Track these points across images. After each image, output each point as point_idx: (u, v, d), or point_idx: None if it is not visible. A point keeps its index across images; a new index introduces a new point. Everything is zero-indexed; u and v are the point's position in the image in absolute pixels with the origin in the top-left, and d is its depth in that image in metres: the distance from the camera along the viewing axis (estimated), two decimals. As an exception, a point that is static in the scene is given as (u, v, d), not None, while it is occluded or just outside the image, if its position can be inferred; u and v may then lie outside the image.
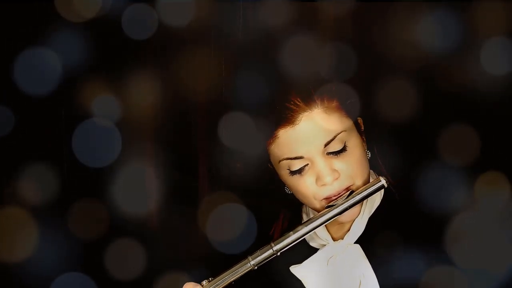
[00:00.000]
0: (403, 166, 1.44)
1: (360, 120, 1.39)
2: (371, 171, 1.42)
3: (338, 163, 1.33)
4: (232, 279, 1.33)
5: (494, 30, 1.52)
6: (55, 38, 1.66)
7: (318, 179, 1.33)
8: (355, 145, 1.34)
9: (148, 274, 1.71)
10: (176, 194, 1.78)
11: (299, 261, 1.41)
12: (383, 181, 1.33)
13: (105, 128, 1.70)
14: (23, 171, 1.70)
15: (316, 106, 1.31)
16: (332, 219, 1.33)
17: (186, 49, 1.71)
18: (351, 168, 1.33)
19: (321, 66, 1.40)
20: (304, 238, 1.38)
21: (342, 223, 1.39)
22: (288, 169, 1.34)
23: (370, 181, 1.37)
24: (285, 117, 1.31)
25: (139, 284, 1.71)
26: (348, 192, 1.33)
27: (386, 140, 1.45)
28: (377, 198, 1.40)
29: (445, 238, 1.31)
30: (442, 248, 1.31)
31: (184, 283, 1.34)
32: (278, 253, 1.33)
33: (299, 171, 1.34)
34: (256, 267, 1.33)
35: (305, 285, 1.39)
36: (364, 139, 1.40)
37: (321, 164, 1.32)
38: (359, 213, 1.38)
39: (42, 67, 1.66)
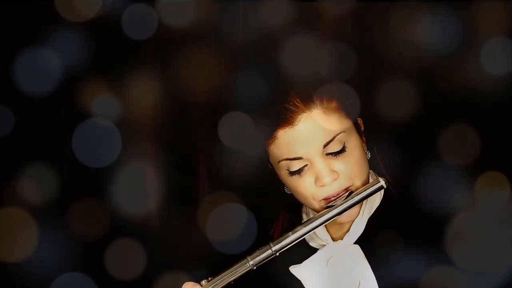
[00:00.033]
0: (403, 166, 1.44)
1: (360, 120, 1.39)
2: (371, 171, 1.42)
3: (337, 163, 1.33)
4: (231, 279, 1.33)
5: (494, 30, 1.52)
6: (55, 38, 1.66)
7: (317, 179, 1.33)
8: (354, 145, 1.34)
9: (148, 274, 1.71)
10: (176, 194, 1.78)
11: (299, 261, 1.41)
12: (382, 182, 1.33)
13: (105, 128, 1.70)
14: (23, 171, 1.70)
15: (315, 107, 1.31)
16: (331, 220, 1.33)
17: (186, 49, 1.71)
18: (350, 168, 1.33)
19: (321, 66, 1.40)
20: (304, 238, 1.38)
21: (341, 224, 1.39)
22: (287, 170, 1.34)
23: (370, 181, 1.37)
24: (284, 118, 1.31)
25: (139, 284, 1.71)
26: (347, 193, 1.33)
27: (386, 140, 1.45)
28: (377, 198, 1.40)
29: (445, 238, 1.31)
30: (442, 248, 1.31)
31: (184, 283, 1.34)
32: (277, 254, 1.33)
33: (298, 171, 1.34)
34: (255, 267, 1.33)
35: (304, 285, 1.39)
36: (364, 140, 1.40)
37: (320, 164, 1.32)
38: (358, 214, 1.38)
39: (42, 67, 1.66)
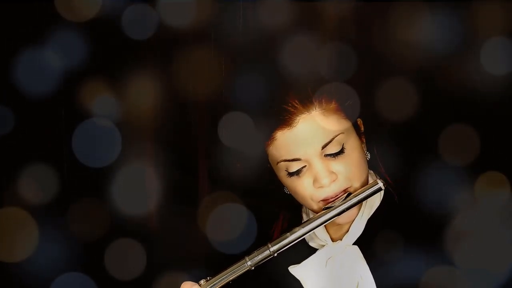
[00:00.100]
0: (403, 166, 1.44)
1: (359, 121, 1.39)
2: (371, 172, 1.42)
3: (335, 165, 1.32)
4: (229, 279, 1.33)
5: (494, 30, 1.52)
6: (55, 38, 1.66)
7: (315, 181, 1.33)
8: (353, 147, 1.34)
9: (148, 274, 1.71)
10: (176, 194, 1.78)
11: (299, 261, 1.41)
12: (380, 184, 1.32)
13: (105, 128, 1.70)
14: (23, 171, 1.70)
15: (314, 108, 1.31)
16: (330, 221, 1.33)
17: (186, 49, 1.71)
18: (348, 170, 1.33)
19: (321, 66, 1.40)
20: (304, 238, 1.38)
21: (340, 224, 1.39)
22: (286, 171, 1.34)
23: (369, 182, 1.37)
24: (283, 119, 1.30)
25: (139, 284, 1.71)
26: (346, 194, 1.33)
27: (386, 141, 1.45)
28: (377, 199, 1.39)
29: (445, 238, 1.31)
30: (442, 248, 1.31)
31: (182, 282, 1.34)
32: (275, 254, 1.33)
33: (297, 172, 1.33)
34: (253, 268, 1.33)
35: (303, 285, 1.39)
36: (364, 140, 1.39)
37: (319, 166, 1.32)
38: (356, 215, 1.37)
39: (42, 67, 1.66)
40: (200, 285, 1.34)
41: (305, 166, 1.33)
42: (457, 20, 1.53)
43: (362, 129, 1.39)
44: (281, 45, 1.51)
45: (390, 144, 1.45)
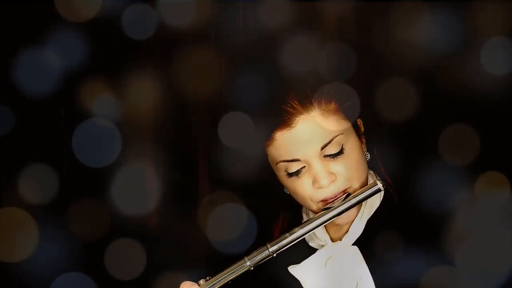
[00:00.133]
0: (403, 166, 1.44)
1: (359, 121, 1.38)
2: (371, 172, 1.42)
3: (335, 166, 1.32)
4: (228, 279, 1.33)
5: (494, 30, 1.52)
6: (55, 38, 1.66)
7: (314, 181, 1.32)
8: (352, 147, 1.34)
9: (148, 274, 1.71)
10: (176, 194, 1.78)
11: (299, 261, 1.41)
12: (379, 185, 1.32)
13: (105, 128, 1.70)
14: (23, 171, 1.70)
15: (314, 109, 1.31)
16: (329, 222, 1.33)
17: (186, 49, 1.71)
18: (348, 170, 1.33)
19: (320, 66, 1.40)
20: (304, 238, 1.38)
21: (340, 225, 1.39)
22: (286, 171, 1.34)
23: (369, 183, 1.36)
24: (282, 120, 1.30)
25: (139, 284, 1.71)
26: (345, 195, 1.33)
27: (386, 141, 1.44)
28: (377, 200, 1.39)
29: (445, 238, 1.31)
30: (442, 248, 1.31)
31: (182, 282, 1.34)
32: (274, 255, 1.33)
33: (296, 173, 1.33)
34: (252, 268, 1.33)
35: (303, 285, 1.39)
36: (364, 141, 1.39)
37: (318, 167, 1.31)
38: (356, 216, 1.37)
39: (42, 67, 1.66)
40: (199, 284, 1.34)
41: (304, 167, 1.33)
42: (457, 20, 1.53)
43: (362, 129, 1.39)
44: (281, 45, 1.51)
45: (390, 144, 1.45)
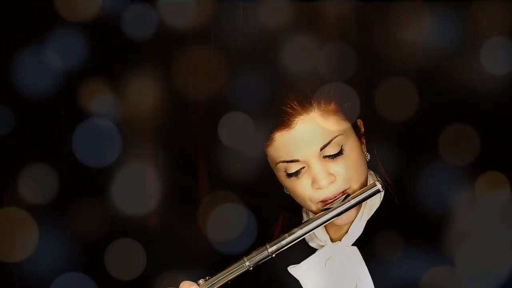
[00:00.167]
0: (403, 167, 1.44)
1: (360, 122, 1.38)
2: (371, 172, 1.41)
3: (334, 166, 1.32)
4: (228, 279, 1.33)
5: (494, 30, 1.52)
6: (55, 38, 1.66)
7: (313, 182, 1.32)
8: (352, 148, 1.33)
9: (148, 274, 1.71)
10: (176, 194, 1.78)
11: (298, 261, 1.41)
12: (378, 186, 1.32)
13: (105, 128, 1.70)
14: (23, 171, 1.70)
15: (313, 110, 1.31)
16: (328, 222, 1.33)
17: (186, 49, 1.71)
18: (347, 171, 1.32)
19: (320, 66, 1.40)
20: (304, 238, 1.38)
21: (339, 225, 1.39)
22: (285, 172, 1.34)
23: (369, 183, 1.36)
24: (281, 120, 1.30)
25: (139, 284, 1.71)
26: (344, 196, 1.33)
27: (386, 141, 1.44)
28: (377, 200, 1.39)
29: (445, 239, 1.31)
30: (442, 248, 1.31)
31: (181, 282, 1.34)
32: (273, 255, 1.33)
33: (296, 173, 1.33)
34: (251, 268, 1.33)
35: (302, 285, 1.39)
36: (364, 141, 1.39)
37: (317, 167, 1.31)
38: (355, 216, 1.37)
39: (42, 67, 1.66)
40: (198, 284, 1.34)
41: (303, 167, 1.33)
42: (457, 20, 1.53)
43: (362, 130, 1.39)
44: (281, 45, 1.51)
45: (390, 144, 1.45)
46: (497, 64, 1.51)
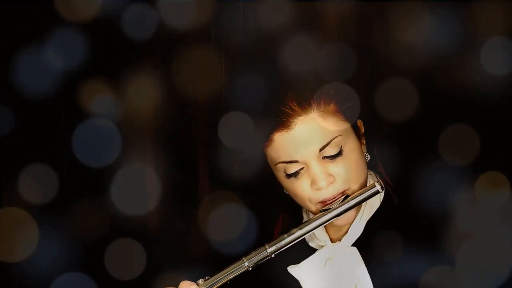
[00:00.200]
0: (403, 167, 1.44)
1: (360, 122, 1.38)
2: (371, 173, 1.41)
3: (333, 167, 1.32)
4: (227, 279, 1.33)
5: (494, 30, 1.52)
6: (55, 38, 1.66)
7: (313, 183, 1.32)
8: (351, 149, 1.33)
9: (148, 274, 1.71)
10: (176, 194, 1.78)
11: (298, 261, 1.41)
12: (378, 187, 1.32)
13: (105, 128, 1.70)
14: (23, 171, 1.71)
15: (312, 110, 1.30)
16: (327, 223, 1.33)
17: (186, 49, 1.71)
18: (347, 172, 1.32)
19: (320, 66, 1.40)
20: (304, 238, 1.38)
21: (339, 226, 1.39)
22: (284, 172, 1.34)
23: (369, 183, 1.36)
24: (281, 121, 1.30)
25: (139, 284, 1.71)
26: (343, 197, 1.33)
27: (386, 141, 1.44)
28: (377, 200, 1.39)
29: (445, 239, 1.31)
30: (442, 248, 1.31)
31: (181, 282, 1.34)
32: (273, 255, 1.33)
33: (295, 174, 1.33)
34: (250, 268, 1.33)
35: (302, 285, 1.39)
36: (364, 142, 1.39)
37: (316, 168, 1.31)
38: (355, 217, 1.37)
39: (42, 67, 1.66)
40: (198, 284, 1.34)
41: (303, 168, 1.33)
42: (457, 20, 1.53)
43: (362, 130, 1.39)
44: (280, 45, 1.51)
45: (390, 144, 1.45)
46: (497, 64, 1.51)
